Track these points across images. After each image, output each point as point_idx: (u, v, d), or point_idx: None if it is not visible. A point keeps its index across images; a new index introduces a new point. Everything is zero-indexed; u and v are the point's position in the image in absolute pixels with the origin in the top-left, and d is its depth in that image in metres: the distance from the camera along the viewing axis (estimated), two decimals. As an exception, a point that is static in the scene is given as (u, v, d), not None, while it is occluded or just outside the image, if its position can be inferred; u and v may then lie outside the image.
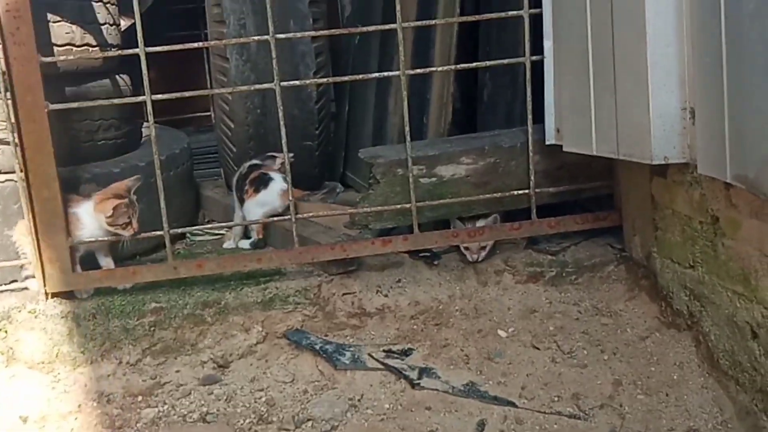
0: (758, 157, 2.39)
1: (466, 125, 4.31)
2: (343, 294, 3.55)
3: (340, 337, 3.41)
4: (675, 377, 3.06)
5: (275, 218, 3.64)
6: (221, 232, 4.26)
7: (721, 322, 2.91)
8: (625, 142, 3.03)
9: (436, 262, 3.72)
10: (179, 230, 3.55)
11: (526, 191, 3.58)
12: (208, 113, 5.00)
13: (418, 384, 3.12)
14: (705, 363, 3.05)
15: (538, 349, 3.26)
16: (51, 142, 3.25)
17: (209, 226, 3.96)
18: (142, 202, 3.58)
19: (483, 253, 3.63)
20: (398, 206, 3.54)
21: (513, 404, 3.01)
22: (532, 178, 3.55)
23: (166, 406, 3.12)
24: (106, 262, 3.59)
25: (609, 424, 2.88)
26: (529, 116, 3.50)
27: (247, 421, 3.02)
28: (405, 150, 3.49)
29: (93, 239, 3.45)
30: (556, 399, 3.03)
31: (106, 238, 3.47)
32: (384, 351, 3.32)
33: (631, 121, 2.99)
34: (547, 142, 3.49)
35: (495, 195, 3.59)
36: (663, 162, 2.91)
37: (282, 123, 3.40)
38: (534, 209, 3.59)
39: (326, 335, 3.42)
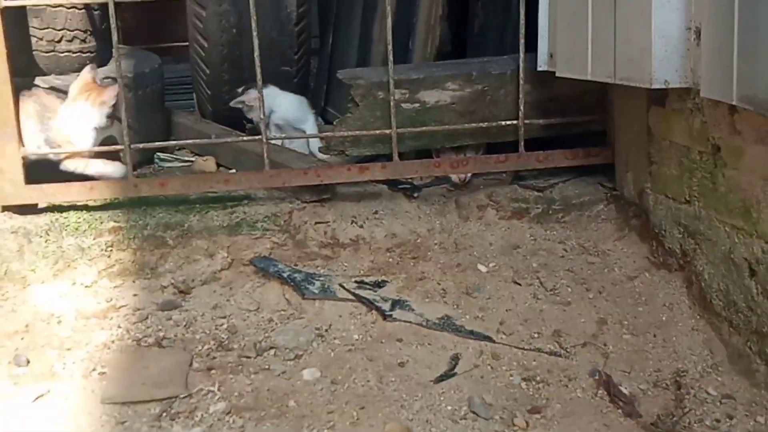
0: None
1: (454, 57, 4.08)
2: (316, 223, 3.34)
3: (311, 267, 3.21)
4: (664, 318, 2.88)
5: (246, 138, 3.41)
6: (191, 158, 4.03)
7: (717, 260, 2.72)
8: (623, 65, 2.82)
9: (416, 195, 3.51)
10: (141, 146, 3.30)
11: (515, 122, 3.36)
12: (187, 43, 4.71)
13: (390, 316, 2.93)
14: (696, 304, 2.87)
15: (519, 285, 3.07)
16: (4, 43, 2.99)
17: (173, 143, 3.66)
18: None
19: (468, 175, 3.43)
20: (377, 132, 3.31)
21: (490, 339, 2.82)
22: (522, 107, 3.33)
23: (120, 330, 2.91)
24: None
25: (592, 363, 2.70)
26: (521, 40, 3.28)
27: (206, 347, 2.82)
28: (387, 72, 3.26)
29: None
30: (536, 335, 2.84)
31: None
32: (356, 282, 3.12)
33: (630, 43, 2.78)
34: (539, 68, 3.27)
35: (481, 125, 3.38)
36: (663, 86, 2.70)
37: (256, 41, 3.16)
38: (522, 141, 3.38)
39: (296, 264, 3.21)
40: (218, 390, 2.59)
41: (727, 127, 2.57)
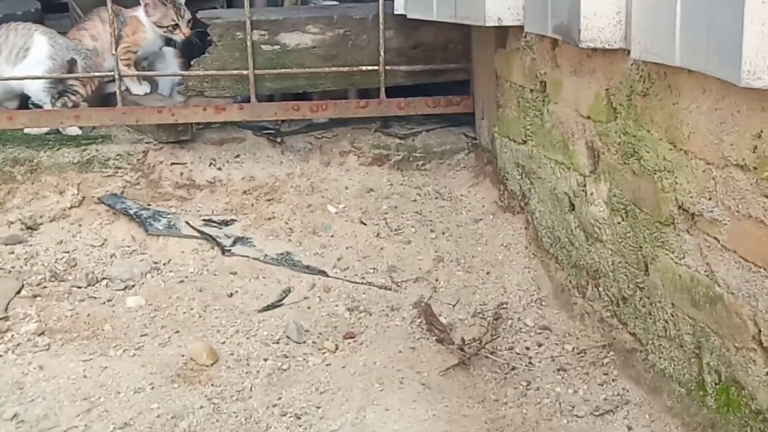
0: (569, 0, 2.22)
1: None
2: (172, 163, 3.32)
3: (164, 206, 3.19)
4: (500, 257, 2.92)
5: (97, 74, 3.37)
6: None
7: (545, 197, 2.75)
8: (463, 4, 2.84)
9: (279, 140, 3.50)
10: None
11: (375, 67, 3.36)
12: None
13: (229, 251, 2.93)
14: (531, 244, 2.90)
15: (365, 224, 3.08)
16: None
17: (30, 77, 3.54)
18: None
19: None
20: (234, 72, 3.30)
21: (324, 273, 2.84)
22: (382, 53, 3.33)
23: (-45, 262, 2.88)
24: None
25: (419, 296, 2.72)
26: (382, -15, 3.27)
27: (39, 277, 2.80)
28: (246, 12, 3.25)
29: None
30: (371, 271, 2.86)
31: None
32: (203, 220, 3.11)
33: (469, -18, 2.80)
34: (396, 11, 3.28)
35: (342, 69, 3.38)
36: (497, 24, 2.72)
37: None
38: (383, 87, 3.38)
39: (149, 204, 3.19)
40: (37, 314, 2.58)
41: (550, 61, 2.60)
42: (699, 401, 2.01)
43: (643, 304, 2.24)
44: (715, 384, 1.95)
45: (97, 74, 3.34)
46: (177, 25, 3.46)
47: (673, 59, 1.83)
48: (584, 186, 2.47)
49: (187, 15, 3.48)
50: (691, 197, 1.93)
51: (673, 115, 1.97)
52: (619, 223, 2.29)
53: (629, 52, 2.08)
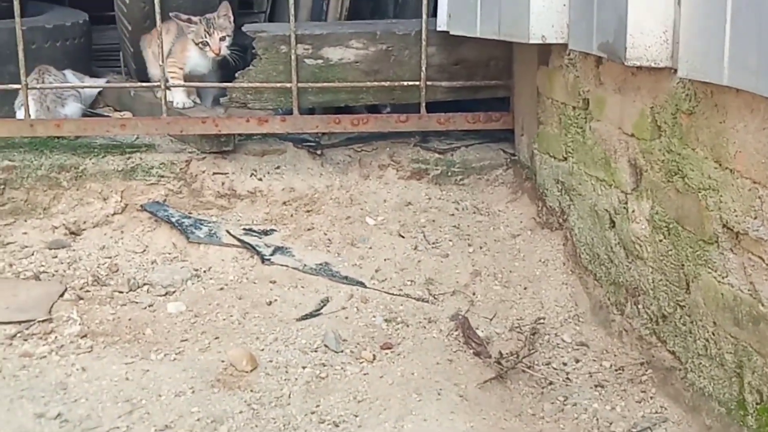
0: (616, 18, 2.23)
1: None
2: (214, 173, 3.36)
3: (206, 216, 3.24)
4: (537, 273, 2.92)
5: (146, 84, 3.43)
6: (108, 114, 4.04)
7: (585, 213, 2.76)
8: (506, 22, 2.86)
9: (319, 152, 3.53)
10: (38, 86, 3.33)
11: (417, 83, 3.39)
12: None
13: (269, 260, 2.97)
14: (570, 260, 2.90)
15: (403, 237, 3.10)
16: None
17: (73, 85, 3.62)
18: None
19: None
20: (278, 84, 3.34)
21: (362, 284, 2.86)
22: (424, 68, 3.36)
23: (2, 264, 2.94)
24: None
25: (456, 309, 2.73)
26: (425, 1, 3.31)
27: (82, 281, 2.86)
28: (290, 26, 3.29)
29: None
30: (408, 283, 2.88)
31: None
32: (244, 229, 3.15)
33: (514, 1, 2.82)
34: (439, 28, 3.31)
35: (383, 84, 3.41)
36: (541, 41, 2.73)
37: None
38: (423, 103, 3.40)
39: (190, 213, 3.24)
40: (80, 317, 2.62)
41: (594, 79, 2.61)
42: (739, 421, 2.00)
43: (684, 323, 2.23)
44: (757, 404, 1.94)
45: (145, 84, 3.40)
46: (206, 42, 3.52)
47: (721, 78, 1.83)
48: (626, 203, 2.47)
49: (218, 34, 3.53)
50: (736, 216, 1.93)
51: (719, 133, 1.97)
52: (660, 240, 2.29)
53: (675, 70, 2.09)
